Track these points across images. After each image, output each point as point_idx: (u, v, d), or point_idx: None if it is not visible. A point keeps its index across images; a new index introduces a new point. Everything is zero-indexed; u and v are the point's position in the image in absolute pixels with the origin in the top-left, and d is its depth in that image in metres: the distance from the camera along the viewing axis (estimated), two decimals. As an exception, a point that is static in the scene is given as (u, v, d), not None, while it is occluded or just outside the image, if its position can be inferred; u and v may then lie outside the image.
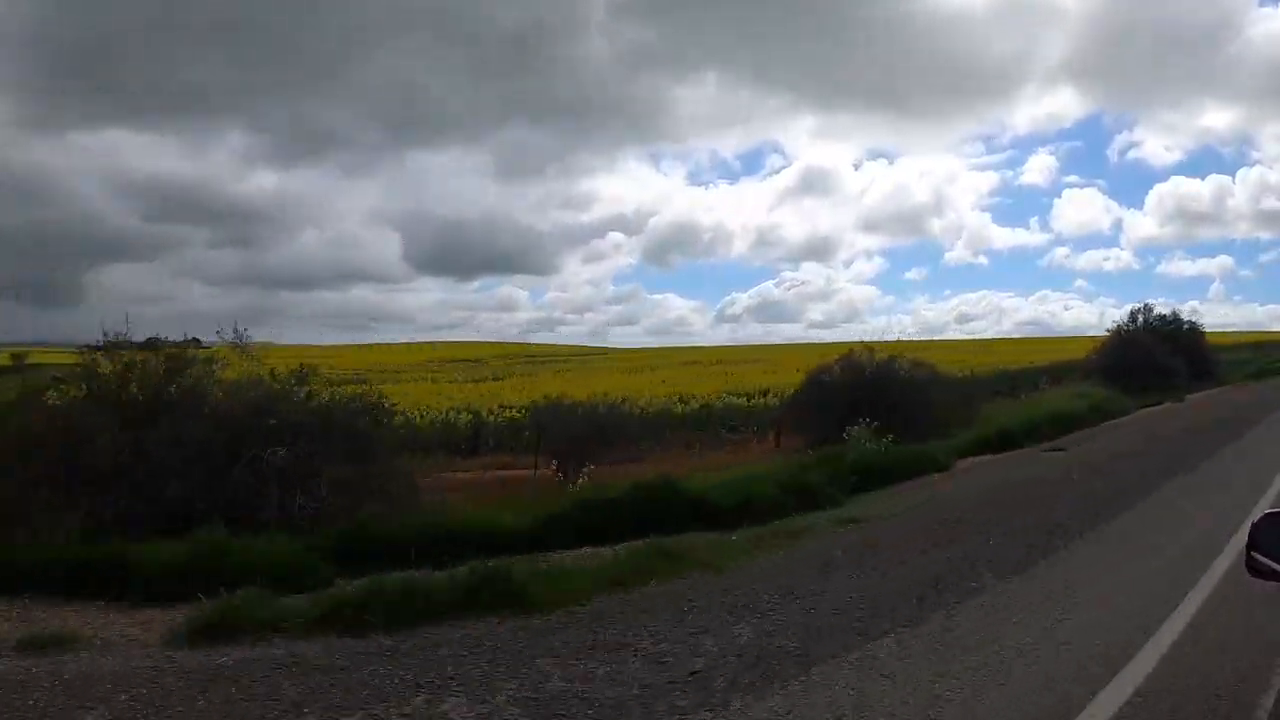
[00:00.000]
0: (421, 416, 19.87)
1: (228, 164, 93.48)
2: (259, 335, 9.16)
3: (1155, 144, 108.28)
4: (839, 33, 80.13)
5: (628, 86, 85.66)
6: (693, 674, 3.61)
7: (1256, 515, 2.10)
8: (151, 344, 7.53)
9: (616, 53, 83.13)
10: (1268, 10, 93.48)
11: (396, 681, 3.56)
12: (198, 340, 8.33)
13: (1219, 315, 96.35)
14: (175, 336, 8.18)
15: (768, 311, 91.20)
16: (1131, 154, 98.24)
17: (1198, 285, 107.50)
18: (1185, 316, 25.24)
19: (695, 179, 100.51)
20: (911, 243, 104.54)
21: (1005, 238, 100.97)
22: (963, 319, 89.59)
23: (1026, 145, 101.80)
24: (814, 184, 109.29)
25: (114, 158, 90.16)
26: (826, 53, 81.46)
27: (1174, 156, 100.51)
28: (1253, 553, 2.03)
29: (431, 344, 57.15)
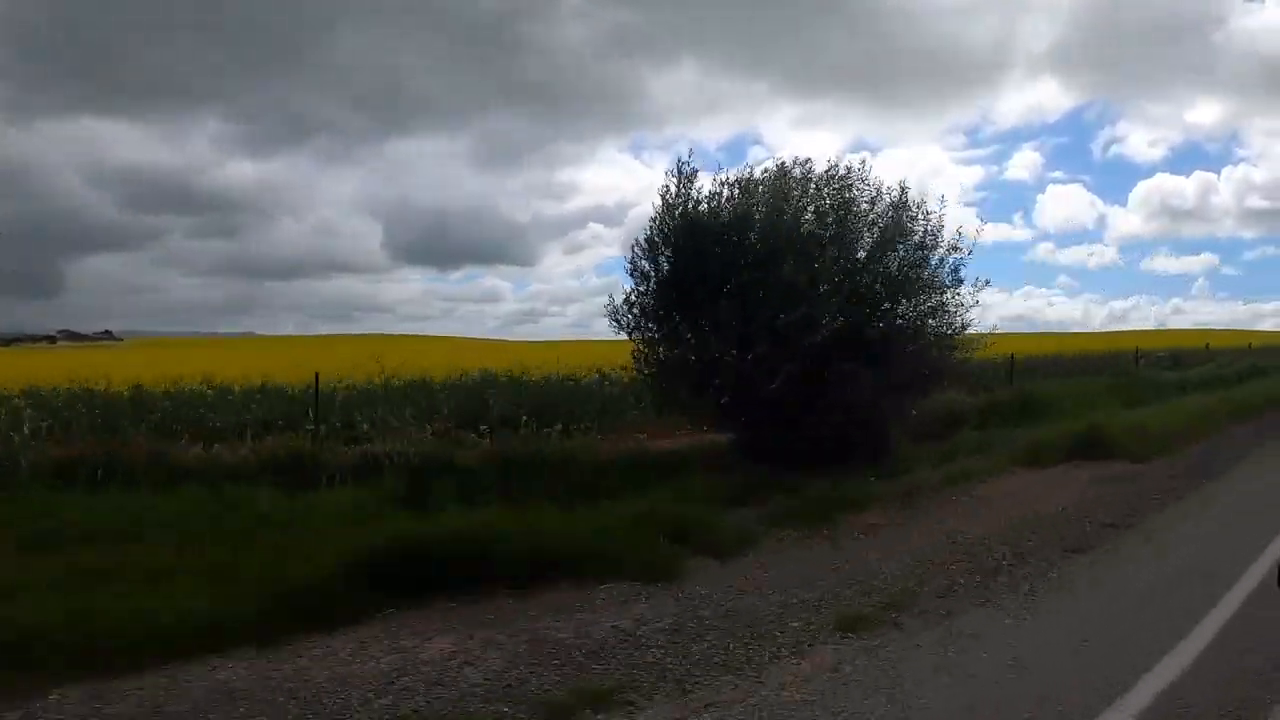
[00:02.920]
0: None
1: (206, 152, 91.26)
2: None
3: (1140, 139, 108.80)
4: (819, 19, 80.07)
5: (606, 73, 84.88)
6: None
7: None
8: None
9: (594, 39, 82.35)
10: (1254, 5, 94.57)
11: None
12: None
13: (1204, 314, 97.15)
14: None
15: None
16: (1115, 149, 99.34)
17: (1181, 282, 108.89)
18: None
19: (676, 169, 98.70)
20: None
21: (989, 232, 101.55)
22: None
23: (1011, 140, 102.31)
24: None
25: (89, 146, 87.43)
26: (806, 39, 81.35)
27: (1159, 152, 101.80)
28: None
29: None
